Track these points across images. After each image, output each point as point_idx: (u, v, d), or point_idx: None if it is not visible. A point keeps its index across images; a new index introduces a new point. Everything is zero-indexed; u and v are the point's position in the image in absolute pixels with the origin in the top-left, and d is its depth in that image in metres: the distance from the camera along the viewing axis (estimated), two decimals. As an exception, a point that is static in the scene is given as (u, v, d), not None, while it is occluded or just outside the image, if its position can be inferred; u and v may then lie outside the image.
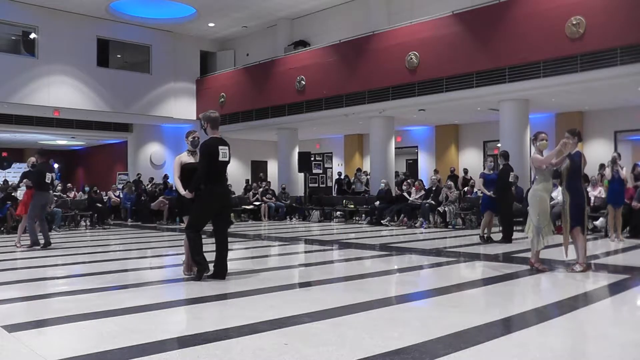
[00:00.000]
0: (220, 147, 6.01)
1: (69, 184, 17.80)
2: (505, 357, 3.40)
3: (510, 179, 10.04)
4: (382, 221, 14.74)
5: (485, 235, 10.03)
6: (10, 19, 18.03)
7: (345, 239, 11.17)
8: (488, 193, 10.06)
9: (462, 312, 4.60)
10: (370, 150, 17.90)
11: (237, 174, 22.35)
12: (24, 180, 10.00)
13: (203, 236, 6.23)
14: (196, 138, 6.42)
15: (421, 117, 17.23)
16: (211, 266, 6.09)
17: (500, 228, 10.37)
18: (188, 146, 6.42)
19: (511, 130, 14.01)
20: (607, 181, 10.60)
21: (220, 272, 6.07)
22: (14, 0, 17.71)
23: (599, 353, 3.54)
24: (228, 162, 6.17)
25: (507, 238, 9.91)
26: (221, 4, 18.48)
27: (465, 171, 17.40)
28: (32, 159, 10.30)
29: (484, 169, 10.58)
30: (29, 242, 9.66)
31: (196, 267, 6.08)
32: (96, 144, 26.56)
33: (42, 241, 9.65)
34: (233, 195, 18.20)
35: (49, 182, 9.80)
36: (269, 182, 20.16)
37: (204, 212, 6.06)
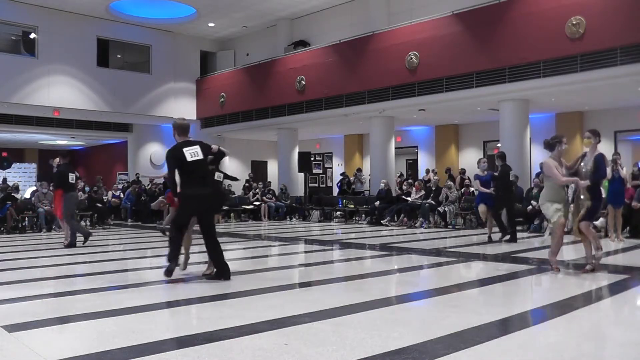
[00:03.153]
0: (185, 149, 5.99)
1: (82, 183, 17.81)
2: (505, 357, 3.40)
3: (511, 178, 10.07)
4: (382, 221, 14.73)
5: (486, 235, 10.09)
6: (10, 19, 18.02)
7: (345, 239, 11.18)
8: (488, 191, 10.03)
9: (462, 312, 4.60)
10: (370, 150, 17.90)
11: (237, 174, 22.31)
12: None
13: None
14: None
15: (421, 117, 17.23)
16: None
17: (499, 227, 10.31)
18: None
19: (511, 130, 14.00)
20: (607, 181, 10.59)
21: (223, 272, 6.07)
22: (14, 0, 17.72)
23: (599, 353, 3.54)
24: (204, 160, 6.06)
25: (511, 238, 9.92)
26: (221, 4, 18.47)
27: (463, 171, 17.36)
28: (57, 160, 10.53)
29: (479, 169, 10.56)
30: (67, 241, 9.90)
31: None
32: (96, 144, 26.56)
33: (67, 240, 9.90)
34: (233, 195, 18.25)
35: (72, 182, 10.01)
36: (269, 182, 20.16)
37: (181, 213, 6.19)
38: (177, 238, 6.10)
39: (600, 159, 6.34)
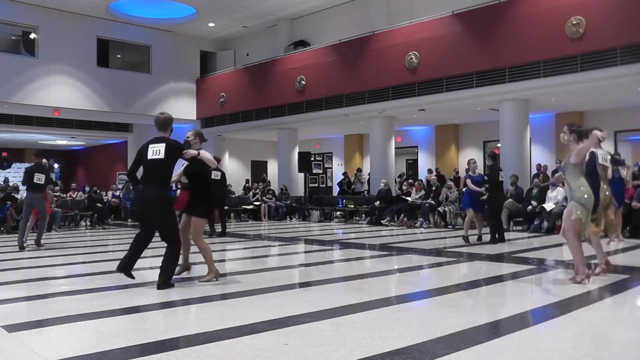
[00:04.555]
0: (151, 145, 5.70)
1: (74, 184, 17.81)
2: (505, 357, 3.40)
3: (500, 178, 9.94)
4: (382, 221, 14.74)
5: (469, 236, 10.01)
6: (10, 19, 18.03)
7: (345, 239, 11.17)
8: (479, 189, 9.97)
9: (462, 312, 4.60)
10: (370, 150, 17.90)
11: (237, 173, 22.34)
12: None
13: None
14: (185, 138, 6.20)
15: (421, 117, 17.23)
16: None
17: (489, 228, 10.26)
18: None
19: (511, 130, 14.01)
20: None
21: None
22: (14, 0, 17.72)
23: (599, 353, 3.54)
24: (163, 160, 5.62)
25: (499, 238, 9.78)
26: (221, 4, 18.48)
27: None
28: (44, 161, 10.39)
29: (468, 170, 10.52)
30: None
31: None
32: (96, 144, 26.58)
33: (31, 241, 9.72)
34: (233, 195, 18.23)
35: (39, 182, 9.64)
36: (269, 181, 20.16)
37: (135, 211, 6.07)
38: (135, 238, 5.89)
39: (591, 157, 6.29)
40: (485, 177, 10.25)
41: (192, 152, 5.84)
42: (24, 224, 9.77)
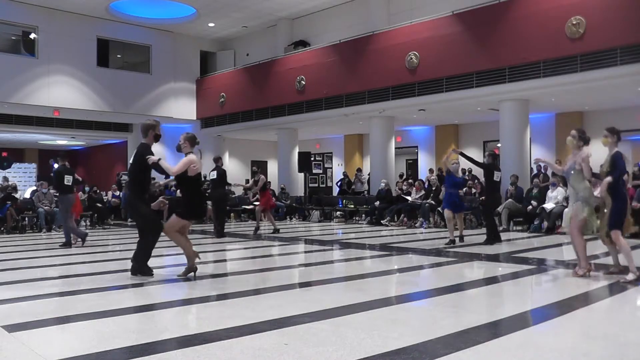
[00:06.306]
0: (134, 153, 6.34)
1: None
2: (505, 357, 3.40)
3: (495, 178, 9.84)
4: (382, 221, 14.74)
5: (455, 238, 9.75)
6: (10, 19, 18.02)
7: (345, 239, 11.18)
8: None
9: (462, 312, 4.61)
10: (370, 150, 17.90)
11: (237, 174, 22.33)
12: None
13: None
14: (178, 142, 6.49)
15: (421, 117, 17.23)
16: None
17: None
18: None
19: (511, 130, 14.01)
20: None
21: (141, 270, 6.29)
22: (14, 0, 17.72)
23: (599, 353, 3.54)
24: (132, 165, 6.30)
25: (494, 238, 9.68)
26: (221, 4, 18.48)
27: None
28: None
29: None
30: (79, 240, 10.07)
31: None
32: (96, 144, 26.57)
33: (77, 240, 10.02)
34: (233, 196, 18.24)
35: (69, 184, 9.96)
36: (269, 182, 20.16)
37: None
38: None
39: (617, 157, 6.15)
40: (467, 178, 10.30)
41: (153, 158, 6.10)
42: (69, 223, 10.01)
